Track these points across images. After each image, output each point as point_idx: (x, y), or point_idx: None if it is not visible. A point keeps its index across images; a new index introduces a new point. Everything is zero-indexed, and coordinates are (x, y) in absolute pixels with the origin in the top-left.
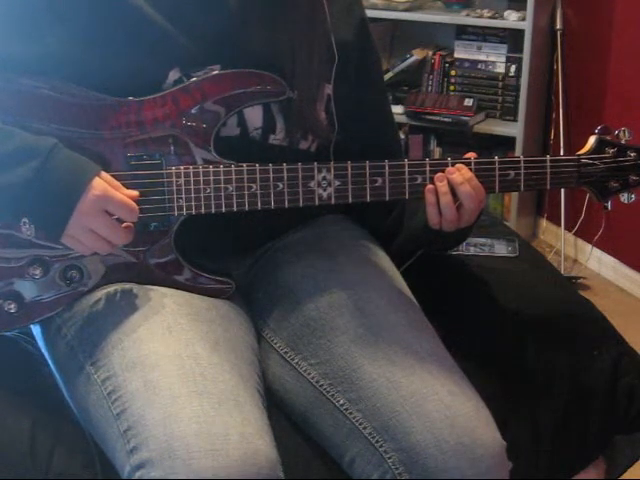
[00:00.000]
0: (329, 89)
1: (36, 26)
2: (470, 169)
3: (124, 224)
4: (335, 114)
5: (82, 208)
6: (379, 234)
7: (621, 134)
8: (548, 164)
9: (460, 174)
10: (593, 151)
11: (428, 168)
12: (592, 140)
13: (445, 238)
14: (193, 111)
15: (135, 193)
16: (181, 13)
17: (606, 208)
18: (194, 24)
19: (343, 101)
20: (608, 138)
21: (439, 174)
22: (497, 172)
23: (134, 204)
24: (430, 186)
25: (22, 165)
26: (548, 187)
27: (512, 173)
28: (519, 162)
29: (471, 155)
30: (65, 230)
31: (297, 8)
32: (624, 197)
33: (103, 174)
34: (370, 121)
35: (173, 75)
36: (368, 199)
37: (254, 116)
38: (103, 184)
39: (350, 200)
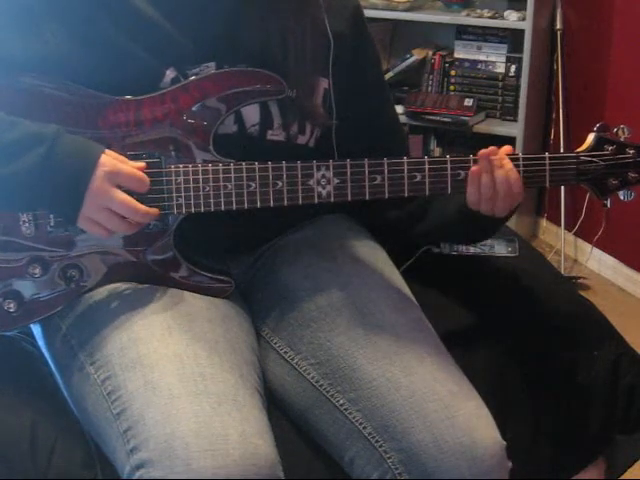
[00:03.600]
0: (325, 83)
1: (35, 25)
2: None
3: (145, 209)
4: (335, 105)
5: (94, 187)
6: (384, 228)
7: (620, 131)
8: (547, 162)
9: (501, 160)
10: (592, 149)
11: (427, 166)
12: (591, 138)
13: (477, 224)
14: (192, 110)
15: (142, 164)
16: (178, 11)
17: (605, 206)
18: (190, 22)
19: (341, 91)
20: (607, 136)
21: (482, 153)
22: None
23: (143, 174)
24: (474, 167)
25: (29, 152)
26: (547, 185)
27: None
28: (518, 160)
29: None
30: (81, 211)
31: (292, 4)
32: (623, 194)
33: (108, 151)
34: (370, 108)
35: (170, 74)
36: (367, 197)
37: (251, 113)
38: (111, 160)
39: (349, 198)
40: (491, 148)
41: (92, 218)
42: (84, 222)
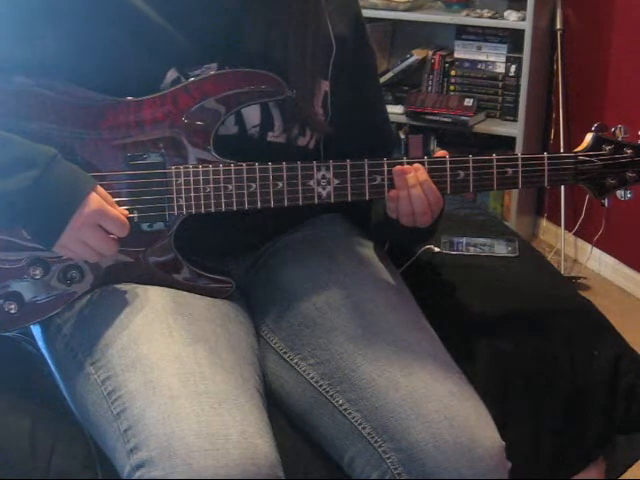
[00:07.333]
0: (326, 86)
1: (34, 26)
2: (444, 167)
3: (111, 236)
4: (330, 107)
5: (77, 221)
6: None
7: (617, 131)
8: (546, 162)
9: (414, 175)
10: (590, 148)
11: (427, 166)
12: (589, 137)
13: (404, 231)
14: (192, 111)
15: (125, 212)
16: (179, 12)
17: (603, 205)
18: (192, 23)
19: (339, 95)
20: (605, 135)
21: (397, 169)
22: (495, 170)
23: (126, 220)
24: (392, 192)
25: (21, 173)
26: (546, 184)
27: (510, 171)
28: (517, 160)
29: (443, 153)
30: (58, 241)
31: (294, 6)
32: (620, 194)
33: (99, 189)
34: (366, 114)
35: (171, 75)
36: (367, 197)
37: (252, 114)
38: (99, 200)
39: (349, 198)
40: (406, 167)
41: (66, 246)
42: (58, 248)
